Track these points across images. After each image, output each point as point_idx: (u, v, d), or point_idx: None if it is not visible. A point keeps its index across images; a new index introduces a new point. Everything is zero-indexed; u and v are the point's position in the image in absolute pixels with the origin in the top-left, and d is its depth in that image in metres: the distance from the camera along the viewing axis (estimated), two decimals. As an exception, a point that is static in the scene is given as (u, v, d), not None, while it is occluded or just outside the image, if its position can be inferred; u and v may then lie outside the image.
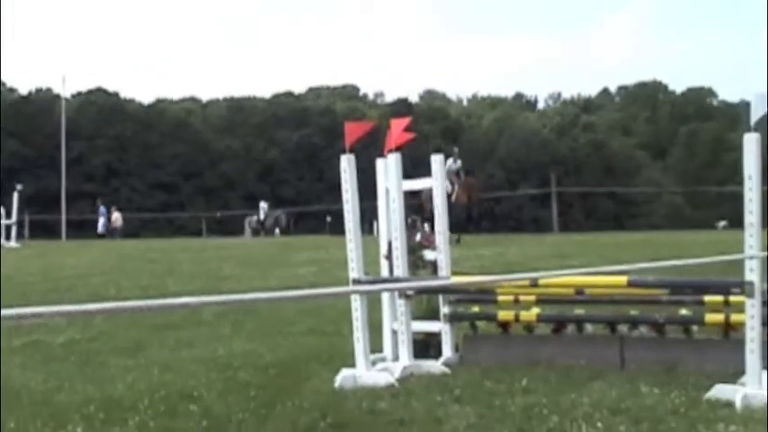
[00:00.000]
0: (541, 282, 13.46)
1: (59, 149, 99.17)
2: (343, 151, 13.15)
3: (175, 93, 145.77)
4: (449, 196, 34.34)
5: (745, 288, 11.45)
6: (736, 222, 13.39)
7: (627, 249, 34.41)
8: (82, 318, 18.57)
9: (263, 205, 74.02)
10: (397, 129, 13.61)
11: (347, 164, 13.09)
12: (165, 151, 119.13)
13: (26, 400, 12.15)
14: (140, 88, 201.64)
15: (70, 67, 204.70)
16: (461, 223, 40.11)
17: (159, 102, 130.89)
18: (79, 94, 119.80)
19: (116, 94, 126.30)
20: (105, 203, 77.98)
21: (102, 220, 76.87)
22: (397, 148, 13.60)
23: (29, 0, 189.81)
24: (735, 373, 11.48)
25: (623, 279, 13.22)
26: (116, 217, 76.14)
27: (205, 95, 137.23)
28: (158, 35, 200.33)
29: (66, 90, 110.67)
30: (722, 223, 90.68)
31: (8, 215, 59.01)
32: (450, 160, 41.63)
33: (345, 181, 13.09)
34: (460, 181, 42.40)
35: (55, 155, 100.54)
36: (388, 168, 13.70)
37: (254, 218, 73.97)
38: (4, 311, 4.19)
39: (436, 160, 14.02)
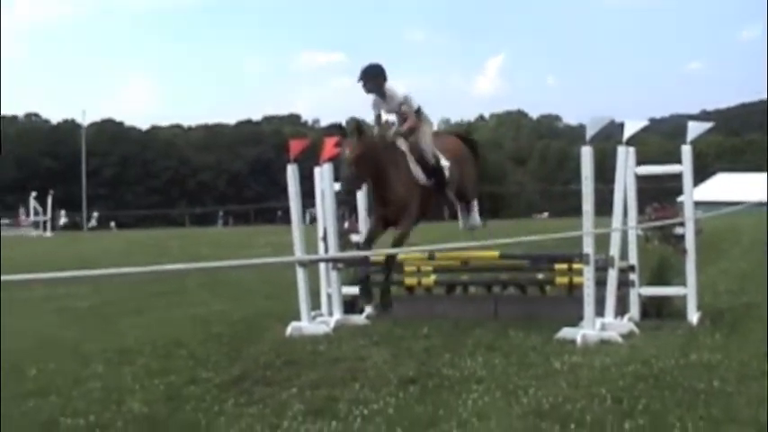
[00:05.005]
0: (437, 255, 13.58)
1: (80, 164, 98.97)
2: (289, 162, 13.16)
3: (165, 120, 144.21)
4: None
5: (583, 258, 11.61)
6: (556, 214, 13.70)
7: (501, 232, 34.52)
8: (101, 288, 18.54)
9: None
10: (329, 145, 13.59)
11: (291, 172, 13.10)
12: (157, 165, 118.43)
13: (61, 349, 12.08)
14: (139, 118, 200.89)
15: (88, 103, 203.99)
16: None
17: (153, 128, 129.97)
18: (94, 123, 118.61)
19: (121, 123, 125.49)
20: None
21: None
22: (330, 159, 13.61)
23: (58, 52, 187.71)
24: (576, 320, 11.61)
25: (496, 253, 13.40)
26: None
27: (186, 122, 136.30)
28: (150, 77, 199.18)
29: (85, 120, 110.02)
30: (544, 214, 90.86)
31: (44, 213, 59.57)
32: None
33: (291, 185, 13.09)
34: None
35: (77, 169, 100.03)
36: (323, 174, 13.69)
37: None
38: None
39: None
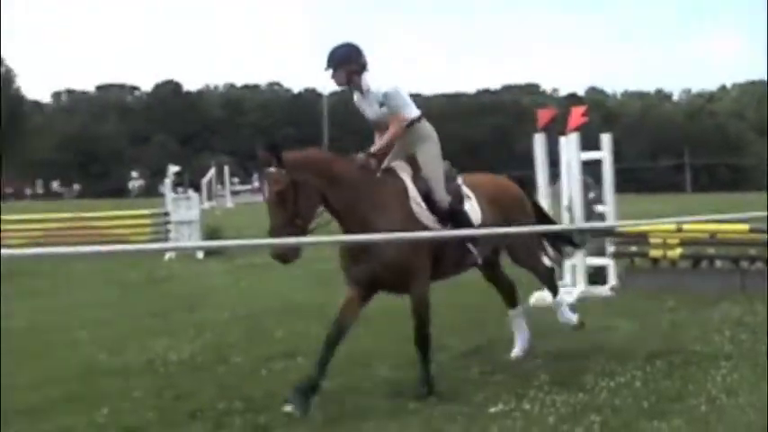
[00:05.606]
0: (684, 228, 13.36)
1: (322, 133, 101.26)
2: (535, 131, 13.11)
3: (405, 88, 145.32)
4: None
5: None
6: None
7: (744, 205, 33.54)
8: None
9: None
10: (577, 114, 13.51)
11: (539, 140, 13.06)
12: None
13: (306, 311, 12.42)
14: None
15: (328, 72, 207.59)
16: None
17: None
18: (335, 92, 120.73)
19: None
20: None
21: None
22: (576, 129, 13.52)
23: (299, 21, 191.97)
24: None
25: (746, 227, 13.19)
26: None
27: (426, 92, 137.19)
28: (392, 47, 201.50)
29: (326, 90, 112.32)
30: None
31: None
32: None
33: (538, 153, 13.06)
34: None
35: (319, 137, 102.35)
36: (569, 143, 13.61)
37: None
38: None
39: (605, 138, 13.87)
